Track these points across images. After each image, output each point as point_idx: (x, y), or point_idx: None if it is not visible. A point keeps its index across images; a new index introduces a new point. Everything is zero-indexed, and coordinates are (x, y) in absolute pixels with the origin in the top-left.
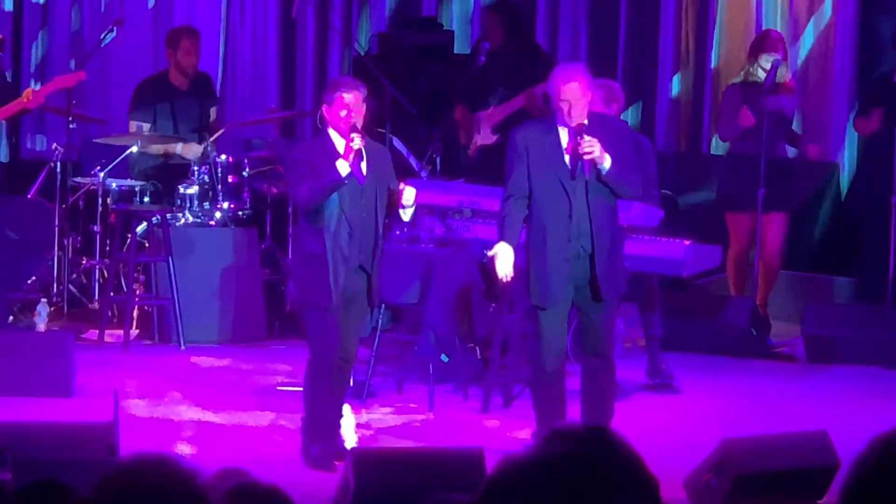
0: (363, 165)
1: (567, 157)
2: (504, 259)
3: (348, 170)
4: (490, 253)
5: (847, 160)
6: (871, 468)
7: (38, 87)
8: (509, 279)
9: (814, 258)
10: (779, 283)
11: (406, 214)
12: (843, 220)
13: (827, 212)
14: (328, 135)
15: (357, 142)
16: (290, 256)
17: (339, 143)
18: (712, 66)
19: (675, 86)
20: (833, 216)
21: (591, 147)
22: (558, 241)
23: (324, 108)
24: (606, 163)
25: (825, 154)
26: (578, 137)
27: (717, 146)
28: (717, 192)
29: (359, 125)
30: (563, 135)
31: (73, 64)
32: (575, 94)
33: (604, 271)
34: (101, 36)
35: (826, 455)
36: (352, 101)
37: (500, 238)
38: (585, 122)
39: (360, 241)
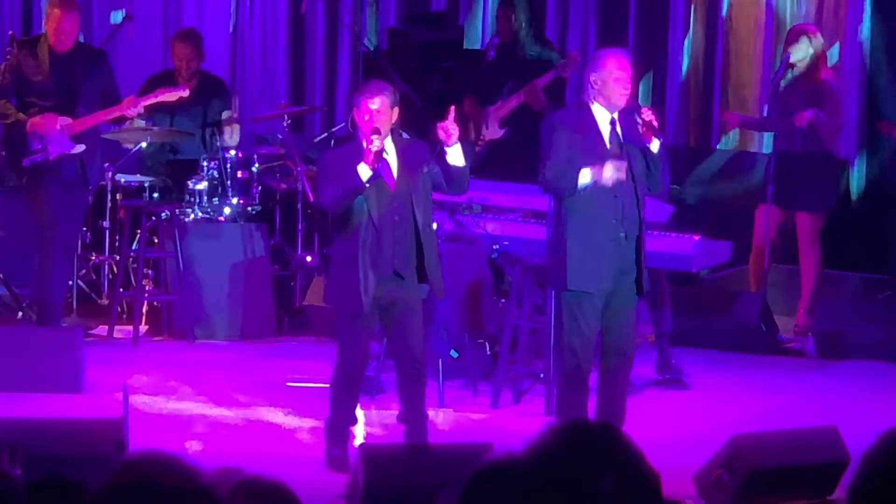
0: (394, 168)
1: (607, 139)
2: (600, 170)
3: (369, 174)
4: (592, 175)
5: (857, 156)
6: (879, 464)
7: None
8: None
9: (824, 254)
10: (788, 278)
11: (454, 155)
12: (852, 216)
13: (837, 207)
14: (359, 140)
15: (375, 144)
16: (298, 252)
17: None
18: (720, 55)
19: (685, 62)
20: (843, 211)
21: (651, 115)
22: (604, 221)
23: (353, 112)
24: (657, 140)
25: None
26: (633, 107)
27: (726, 141)
28: (759, 185)
29: (383, 130)
30: (600, 117)
31: None
32: (623, 68)
33: (643, 260)
34: (111, 30)
35: (836, 450)
36: (375, 105)
37: (577, 179)
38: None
39: (392, 246)
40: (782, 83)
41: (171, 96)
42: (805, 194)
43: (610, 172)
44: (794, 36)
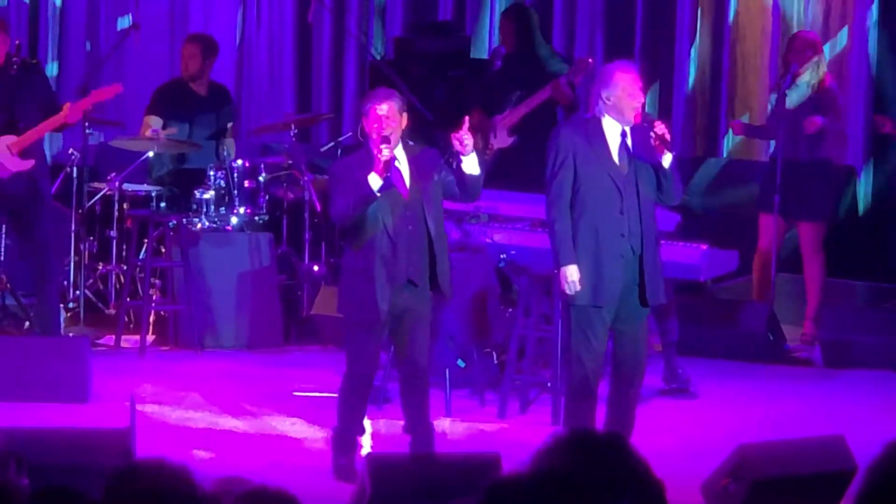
0: (406, 177)
1: (615, 154)
2: (575, 278)
3: (380, 183)
4: (569, 279)
5: (864, 165)
6: (884, 473)
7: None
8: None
9: (831, 262)
10: (795, 287)
11: (470, 164)
12: (859, 225)
13: (843, 216)
14: (369, 148)
15: (385, 153)
16: (305, 261)
17: None
18: (727, 64)
19: (691, 70)
20: (849, 220)
21: (664, 129)
22: (611, 237)
23: (362, 120)
24: (669, 154)
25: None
26: (647, 121)
27: (734, 150)
28: (758, 193)
29: (393, 137)
30: (609, 130)
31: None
32: (635, 82)
33: (651, 274)
34: (117, 40)
35: (843, 460)
36: (384, 111)
37: (564, 260)
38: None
39: (406, 254)
40: (794, 95)
41: (105, 94)
42: (808, 203)
43: (571, 290)
44: (804, 49)
